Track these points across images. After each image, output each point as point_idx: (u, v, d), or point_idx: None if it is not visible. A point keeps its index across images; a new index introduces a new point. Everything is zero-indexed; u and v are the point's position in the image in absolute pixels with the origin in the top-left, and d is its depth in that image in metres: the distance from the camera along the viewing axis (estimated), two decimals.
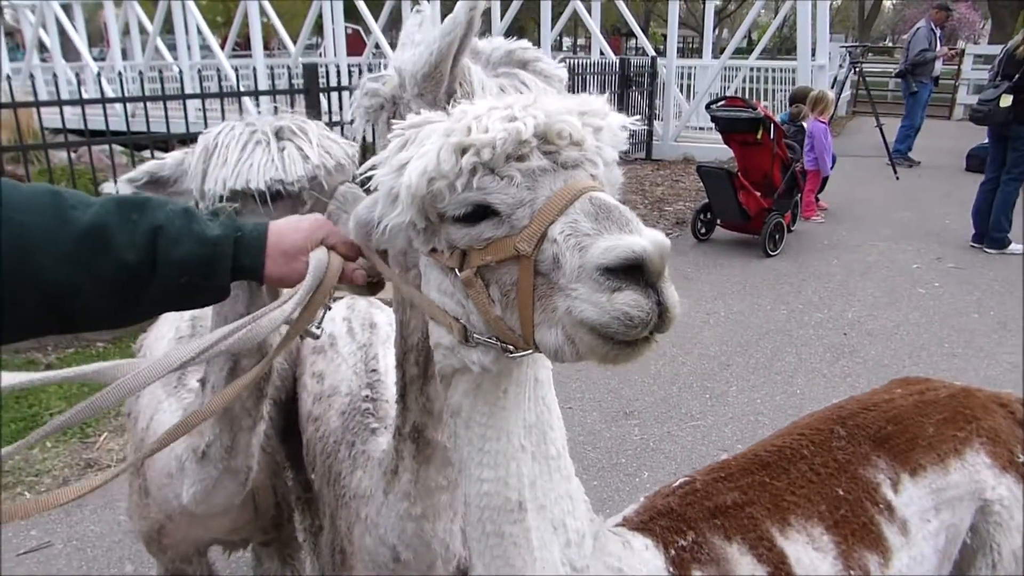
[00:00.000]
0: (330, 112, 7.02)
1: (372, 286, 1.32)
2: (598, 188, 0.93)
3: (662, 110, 13.92)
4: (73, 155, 7.03)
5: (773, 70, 15.06)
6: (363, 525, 1.64)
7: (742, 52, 16.93)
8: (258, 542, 2.29)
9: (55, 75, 12.59)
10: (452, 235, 0.98)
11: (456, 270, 0.98)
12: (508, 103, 0.96)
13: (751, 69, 15.08)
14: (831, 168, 8.96)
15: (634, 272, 0.85)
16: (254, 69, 7.66)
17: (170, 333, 2.12)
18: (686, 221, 8.50)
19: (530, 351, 0.97)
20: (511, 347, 0.97)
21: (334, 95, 7.17)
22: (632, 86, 12.88)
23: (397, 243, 1.08)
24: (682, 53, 18.00)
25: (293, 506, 2.29)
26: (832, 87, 11.66)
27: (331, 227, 1.27)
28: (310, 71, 6.71)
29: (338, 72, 7.71)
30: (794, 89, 9.89)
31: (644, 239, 0.85)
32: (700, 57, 16.82)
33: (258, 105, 7.67)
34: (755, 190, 7.42)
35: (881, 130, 11.02)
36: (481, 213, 0.95)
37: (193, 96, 6.82)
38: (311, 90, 6.74)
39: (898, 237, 8.19)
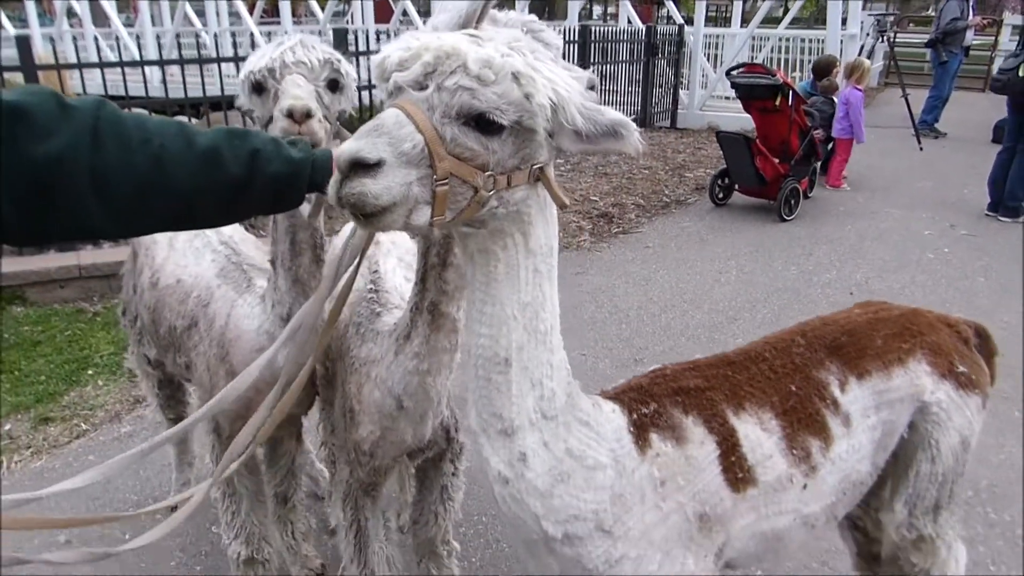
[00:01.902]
0: (359, 77, 7.26)
1: None
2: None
3: (688, 79, 13.96)
4: None
5: (803, 40, 15.01)
6: (372, 383, 2.04)
7: (775, 21, 16.78)
8: (290, 423, 2.62)
9: (95, 39, 12.91)
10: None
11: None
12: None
13: (780, 38, 15.02)
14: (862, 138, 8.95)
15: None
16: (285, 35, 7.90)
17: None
18: (705, 187, 8.69)
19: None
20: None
21: (363, 60, 7.43)
22: (658, 55, 12.93)
23: None
24: (714, 22, 17.93)
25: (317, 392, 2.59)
26: (860, 55, 11.65)
27: None
28: (339, 36, 6.97)
29: (367, 38, 7.93)
30: (817, 59, 9.93)
31: (351, 143, 1.13)
32: (729, 26, 16.79)
33: None
34: (772, 156, 7.58)
35: (907, 100, 11.03)
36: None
37: (227, 60, 7.09)
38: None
39: (914, 205, 8.31)
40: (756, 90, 7.48)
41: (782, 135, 7.57)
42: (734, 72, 7.90)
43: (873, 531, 2.05)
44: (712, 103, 14.02)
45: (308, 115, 1.77)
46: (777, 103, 7.36)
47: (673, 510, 1.56)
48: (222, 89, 6.69)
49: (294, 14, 26.98)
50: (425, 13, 17.10)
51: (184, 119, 5.29)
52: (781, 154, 7.65)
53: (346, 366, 2.17)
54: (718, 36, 15.74)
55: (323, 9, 16.74)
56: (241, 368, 2.00)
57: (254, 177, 1.43)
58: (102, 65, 6.91)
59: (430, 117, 1.16)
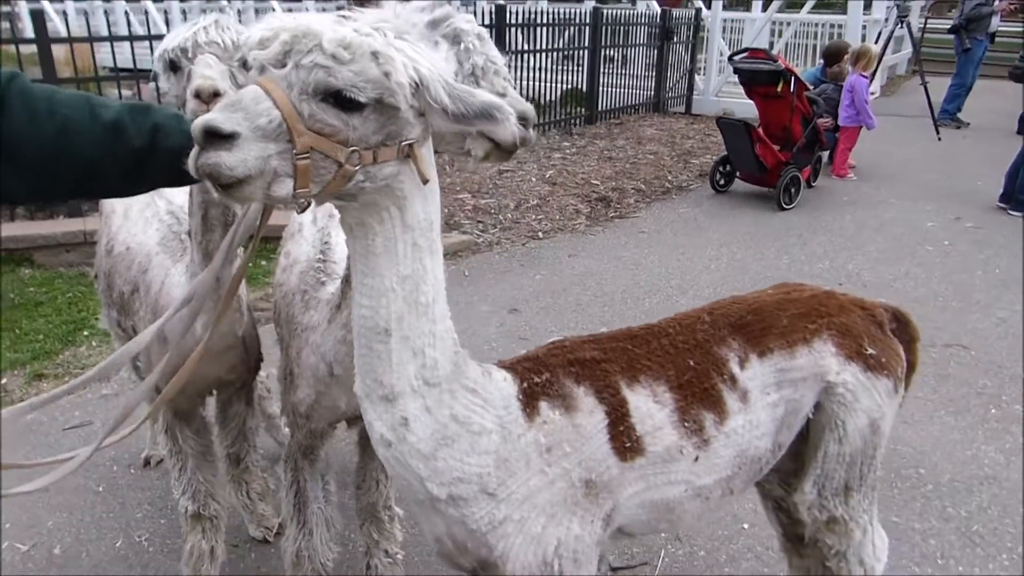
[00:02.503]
0: None
1: None
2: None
3: (705, 64, 13.84)
4: (129, 92, 7.51)
5: (825, 25, 14.80)
6: (309, 348, 2.12)
7: (799, 6, 16.56)
8: (237, 387, 2.74)
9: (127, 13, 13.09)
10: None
11: None
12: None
13: (802, 23, 14.82)
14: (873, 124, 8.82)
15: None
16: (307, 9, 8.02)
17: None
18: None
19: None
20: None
21: None
22: (673, 39, 12.83)
23: None
24: (734, 6, 17.64)
25: (261, 358, 2.69)
26: (876, 42, 11.48)
27: None
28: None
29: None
30: (827, 44, 9.82)
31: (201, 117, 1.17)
32: (749, 10, 16.58)
33: None
34: (773, 143, 7.54)
35: (925, 88, 10.86)
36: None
37: None
38: None
39: (922, 197, 8.23)
40: (758, 76, 7.44)
41: (784, 122, 7.53)
42: (737, 57, 7.85)
43: (795, 513, 2.11)
44: (728, 89, 13.82)
45: (215, 94, 1.80)
46: (779, 89, 7.31)
47: (559, 476, 1.62)
48: None
49: None
50: None
51: None
52: (783, 141, 7.60)
53: (290, 331, 2.26)
54: (737, 20, 15.57)
55: None
56: (171, 333, 2.07)
57: (155, 150, 1.51)
58: (112, 39, 7.05)
59: (288, 94, 1.20)
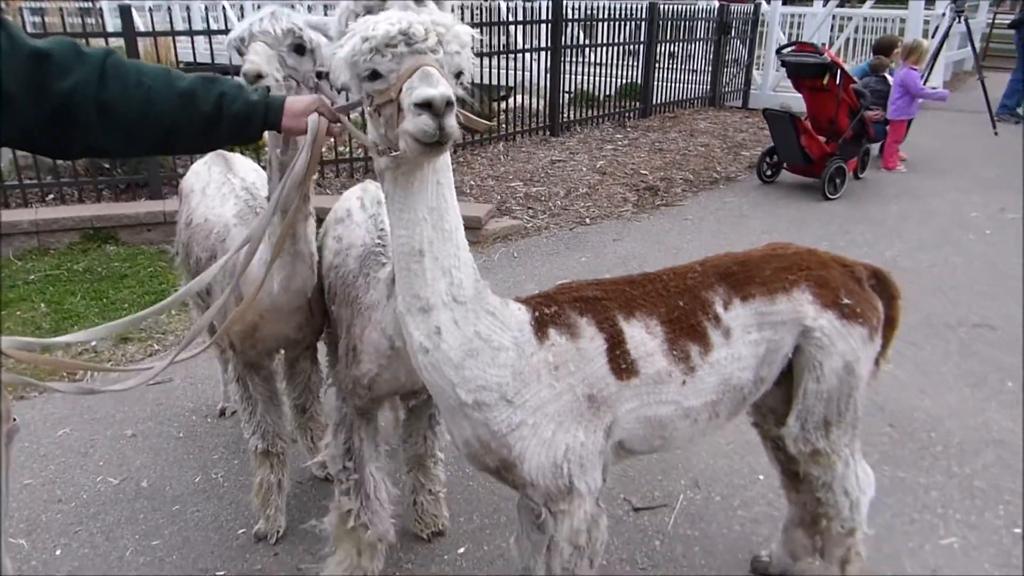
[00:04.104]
0: None
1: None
2: (430, 63, 1.57)
3: (763, 59, 13.86)
4: None
5: (887, 20, 14.64)
6: (372, 326, 2.32)
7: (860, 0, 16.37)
8: (304, 347, 3.07)
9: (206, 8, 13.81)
10: (365, 87, 1.67)
11: (371, 110, 1.68)
12: (391, 16, 1.63)
13: (864, 18, 14.70)
14: (913, 111, 8.86)
15: (429, 107, 1.51)
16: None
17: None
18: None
19: (399, 152, 1.64)
20: (394, 151, 1.66)
21: None
22: (731, 33, 12.91)
23: (352, 93, 1.79)
24: (795, 1, 17.51)
25: (325, 322, 2.93)
26: (932, 37, 11.39)
27: (322, 101, 1.99)
28: None
29: None
30: (879, 38, 9.83)
31: (435, 90, 1.50)
32: (811, 4, 16.47)
33: None
34: (820, 135, 7.66)
35: (982, 83, 10.75)
36: (376, 75, 1.63)
37: None
38: None
39: (970, 189, 8.23)
40: (804, 69, 7.57)
41: (830, 114, 7.64)
42: (784, 51, 7.99)
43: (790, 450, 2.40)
44: (786, 84, 13.70)
45: (259, 76, 2.15)
46: (825, 82, 7.44)
47: (565, 390, 1.95)
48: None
49: None
50: None
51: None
52: (830, 133, 7.72)
53: (354, 311, 2.42)
54: (797, 15, 15.51)
55: None
56: (249, 293, 2.40)
57: (221, 114, 1.85)
58: (191, 33, 7.63)
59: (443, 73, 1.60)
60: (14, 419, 1.72)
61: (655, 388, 2.05)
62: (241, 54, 2.29)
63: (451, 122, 1.52)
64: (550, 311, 1.99)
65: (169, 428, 3.99)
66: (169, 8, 11.21)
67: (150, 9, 9.80)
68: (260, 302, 2.48)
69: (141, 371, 2.14)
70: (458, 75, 1.68)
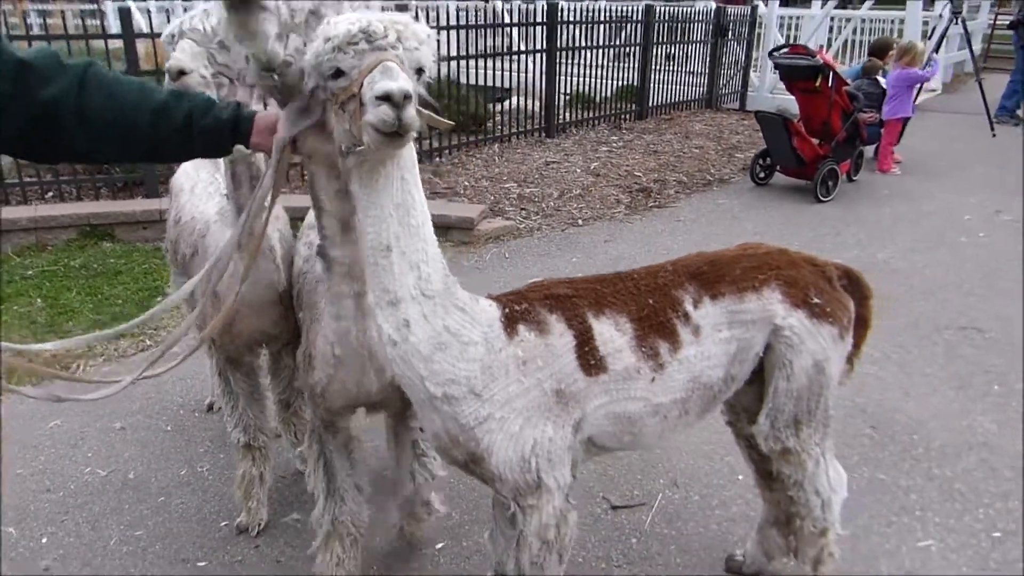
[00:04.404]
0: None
1: None
2: (390, 58, 1.61)
3: (760, 61, 13.89)
4: None
5: (885, 21, 14.67)
6: (320, 333, 2.30)
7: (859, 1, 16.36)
8: (284, 342, 3.02)
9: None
10: (330, 86, 1.71)
11: (336, 107, 1.72)
12: (352, 16, 1.67)
13: (862, 19, 14.73)
14: (909, 110, 8.85)
15: (389, 99, 1.55)
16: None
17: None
18: None
19: (362, 146, 1.68)
20: (358, 147, 1.69)
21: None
22: (727, 35, 12.95)
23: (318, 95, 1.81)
24: (792, 3, 17.51)
25: None
26: (929, 38, 11.42)
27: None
28: (401, 8, 7.53)
29: (447, 13, 8.38)
30: (874, 41, 9.86)
31: (395, 83, 1.54)
32: (809, 6, 16.50)
33: None
34: (813, 137, 7.69)
35: (980, 85, 10.77)
36: (340, 72, 1.67)
37: None
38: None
39: (965, 191, 8.25)
40: (797, 71, 7.60)
41: (823, 116, 7.67)
42: (776, 53, 8.03)
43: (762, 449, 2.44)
44: (784, 86, 13.87)
45: (182, 72, 2.17)
46: (818, 84, 7.47)
47: (533, 385, 1.98)
48: None
49: None
50: None
51: None
52: (823, 135, 7.75)
53: (310, 317, 2.41)
54: (795, 17, 15.54)
55: None
56: (223, 291, 2.44)
57: (192, 130, 1.88)
58: None
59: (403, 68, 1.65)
60: None
61: (624, 384, 2.08)
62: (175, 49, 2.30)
63: (409, 114, 1.57)
64: (520, 308, 2.02)
65: (158, 421, 4.03)
66: (169, 11, 11.26)
67: (149, 12, 9.85)
68: (230, 298, 2.52)
69: (111, 382, 2.15)
70: (419, 71, 1.72)
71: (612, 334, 2.06)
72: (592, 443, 2.18)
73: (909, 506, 3.33)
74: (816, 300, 2.26)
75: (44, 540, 3.13)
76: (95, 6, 16.09)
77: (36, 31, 9.33)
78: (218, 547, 3.10)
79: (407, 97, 1.55)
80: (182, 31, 2.29)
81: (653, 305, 2.13)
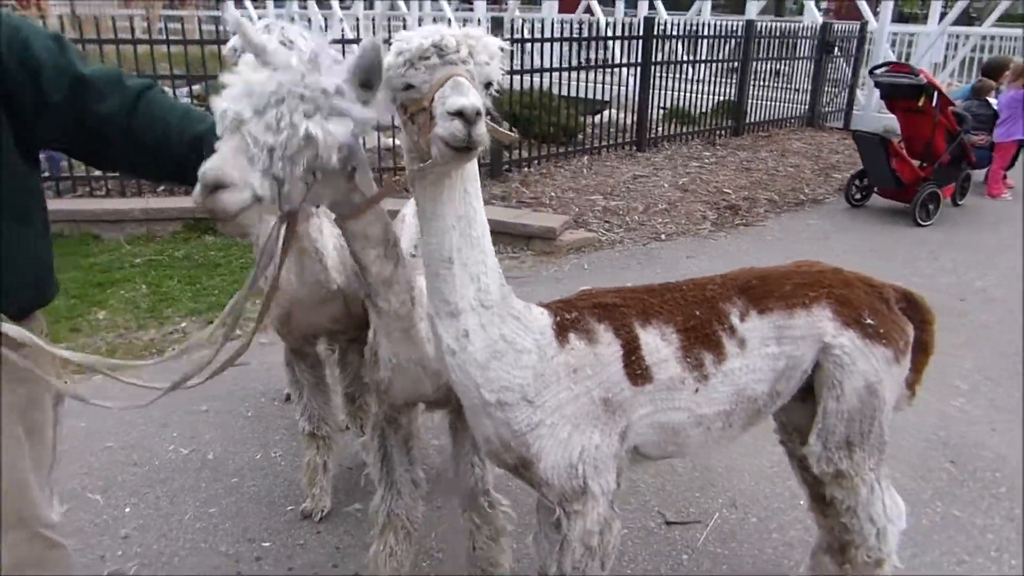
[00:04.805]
0: (511, 61, 8.01)
1: None
2: (461, 73, 1.65)
3: (867, 79, 13.37)
4: None
5: (1008, 39, 13.90)
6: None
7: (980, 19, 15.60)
8: (348, 338, 3.16)
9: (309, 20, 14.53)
10: (400, 98, 1.77)
11: (405, 118, 1.78)
12: (425, 31, 1.72)
13: (982, 37, 13.99)
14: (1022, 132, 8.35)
15: (461, 115, 1.59)
16: (475, 20, 8.76)
17: None
18: None
19: (430, 159, 1.71)
20: (425, 160, 1.72)
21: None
22: (832, 51, 12.56)
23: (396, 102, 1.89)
24: (907, 19, 16.73)
25: None
26: None
27: None
28: (495, 23, 7.72)
29: (522, 27, 8.56)
30: (988, 59, 9.36)
31: (467, 99, 1.58)
32: (924, 23, 15.81)
33: None
34: (914, 158, 7.38)
35: None
36: (410, 86, 1.71)
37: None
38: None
39: None
40: (899, 89, 7.32)
41: (926, 137, 7.36)
42: (878, 71, 7.75)
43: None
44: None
45: None
46: (920, 104, 7.17)
47: (582, 392, 2.00)
48: None
49: (495, 1, 28.35)
50: (607, 3, 17.53)
51: None
52: (925, 157, 7.43)
53: (375, 314, 2.47)
54: (908, 34, 14.90)
55: None
56: (282, 284, 2.55)
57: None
58: None
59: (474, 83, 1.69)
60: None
61: (668, 394, 2.08)
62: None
63: (480, 130, 1.60)
64: (571, 316, 2.05)
65: (240, 407, 4.27)
66: (293, 18, 11.88)
67: (260, 19, 10.40)
68: (285, 293, 2.67)
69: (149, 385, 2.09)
70: (487, 85, 1.75)
71: (658, 344, 2.07)
72: (637, 451, 2.19)
73: (984, 546, 3.17)
74: (869, 321, 2.21)
75: (127, 509, 3.37)
76: (220, 13, 17.12)
77: (172, 36, 9.96)
78: (282, 529, 3.26)
79: (479, 113, 1.58)
80: (244, 46, 2.39)
81: (699, 316, 2.14)
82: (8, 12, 1.93)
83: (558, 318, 2.04)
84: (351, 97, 1.65)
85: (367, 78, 1.68)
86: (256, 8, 22.68)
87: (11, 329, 1.74)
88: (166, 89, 2.01)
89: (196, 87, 9.13)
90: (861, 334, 2.19)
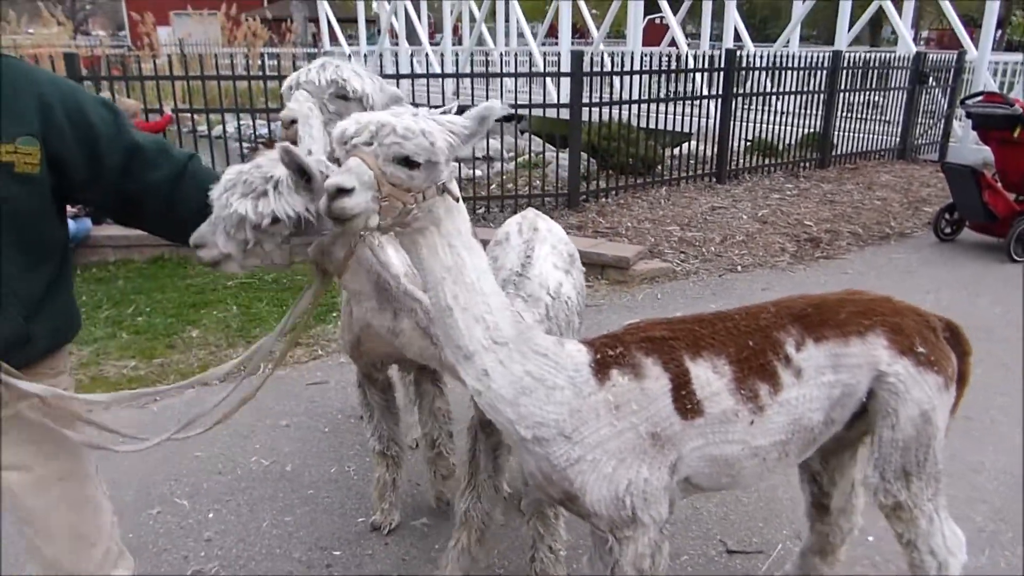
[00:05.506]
0: (591, 93, 8.18)
1: None
2: (363, 156, 1.73)
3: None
4: None
5: None
6: None
7: None
8: (418, 366, 3.25)
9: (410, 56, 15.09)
10: None
11: None
12: (350, 119, 1.83)
13: None
14: None
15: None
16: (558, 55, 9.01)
17: None
18: None
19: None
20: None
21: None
22: (927, 82, 12.19)
23: None
24: (1011, 48, 16.06)
25: None
26: None
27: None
28: (576, 57, 7.89)
29: (602, 59, 8.71)
30: None
31: (333, 179, 1.70)
32: None
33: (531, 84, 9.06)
34: (1009, 191, 7.10)
35: None
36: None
37: (509, 75, 8.31)
38: (575, 74, 7.96)
39: None
40: (992, 119, 7.08)
41: (1022, 169, 7.07)
42: (970, 101, 7.51)
43: (827, 486, 2.46)
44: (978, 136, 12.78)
45: (293, 121, 2.36)
46: (1016, 135, 6.91)
47: (627, 428, 2.02)
48: (502, 96, 7.92)
49: (581, 35, 28.77)
50: (692, 36, 17.56)
51: None
52: (1021, 189, 7.14)
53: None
54: (1011, 63, 14.29)
55: (598, 29, 18.01)
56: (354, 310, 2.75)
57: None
58: (397, 77, 8.44)
59: (375, 161, 1.77)
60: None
61: (721, 427, 2.09)
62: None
63: (341, 204, 1.72)
64: (614, 352, 2.08)
65: (318, 423, 4.48)
66: (380, 56, 12.40)
67: (365, 56, 10.90)
68: (359, 319, 2.78)
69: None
70: (404, 160, 1.77)
71: (709, 377, 2.09)
72: (689, 482, 2.20)
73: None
74: (921, 349, 2.21)
75: (210, 515, 3.60)
76: (318, 51, 18.01)
77: (269, 72, 10.55)
78: (353, 540, 3.41)
79: (341, 191, 1.71)
80: (299, 83, 2.51)
81: (753, 347, 2.16)
82: (110, 99, 2.14)
83: (599, 355, 2.06)
84: (287, 185, 1.98)
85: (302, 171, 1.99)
86: (349, 45, 23.87)
87: (33, 387, 1.82)
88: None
89: None
90: (915, 362, 2.20)
